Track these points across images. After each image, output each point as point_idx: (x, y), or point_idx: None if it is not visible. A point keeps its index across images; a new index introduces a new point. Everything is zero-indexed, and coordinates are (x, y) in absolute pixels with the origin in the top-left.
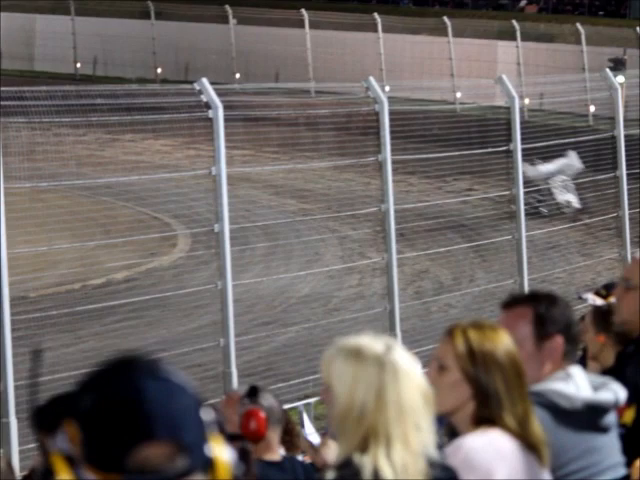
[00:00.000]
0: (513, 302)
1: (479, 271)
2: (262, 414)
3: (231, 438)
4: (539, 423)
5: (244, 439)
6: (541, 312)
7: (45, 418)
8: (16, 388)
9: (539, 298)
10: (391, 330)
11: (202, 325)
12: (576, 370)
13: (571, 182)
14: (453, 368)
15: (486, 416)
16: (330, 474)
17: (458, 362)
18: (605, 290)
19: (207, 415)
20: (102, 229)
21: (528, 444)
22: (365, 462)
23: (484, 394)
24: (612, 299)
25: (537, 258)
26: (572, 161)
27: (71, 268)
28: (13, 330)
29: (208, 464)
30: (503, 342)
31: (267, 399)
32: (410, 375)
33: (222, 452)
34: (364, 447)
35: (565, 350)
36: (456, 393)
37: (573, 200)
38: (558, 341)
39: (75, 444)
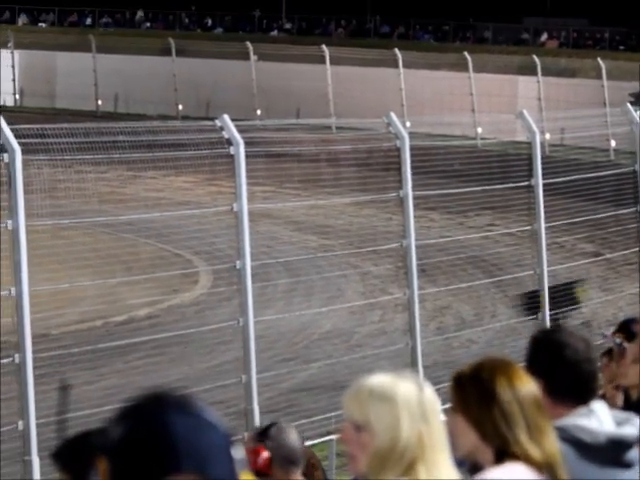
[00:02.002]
0: None
1: (501, 306)
2: (265, 453)
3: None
4: (562, 456)
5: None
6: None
7: (71, 456)
8: (38, 426)
9: (533, 339)
10: (413, 366)
11: (224, 362)
12: (598, 405)
13: None
14: (457, 412)
15: (504, 451)
16: None
17: (456, 406)
18: (618, 329)
19: (238, 453)
20: (124, 266)
21: (550, 476)
22: None
23: (486, 434)
24: (616, 338)
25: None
26: None
27: (93, 305)
28: (35, 368)
29: None
30: (507, 378)
31: (277, 439)
32: (439, 410)
33: None
34: (404, 477)
35: (576, 388)
36: (465, 436)
37: None
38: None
39: (104, 478)
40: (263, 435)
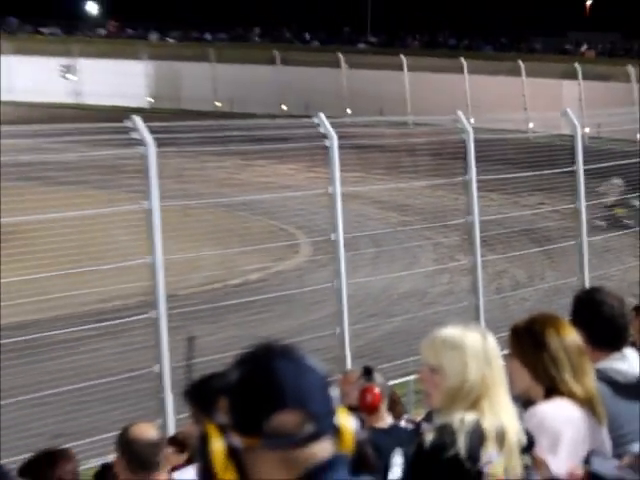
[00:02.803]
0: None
1: (548, 270)
2: (377, 390)
3: (349, 409)
4: (600, 393)
5: (359, 411)
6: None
7: (199, 394)
8: (171, 370)
9: (576, 298)
10: (476, 320)
11: (321, 317)
12: (630, 352)
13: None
14: (514, 357)
15: (552, 389)
16: (429, 435)
17: (513, 352)
18: None
19: (335, 392)
20: (239, 238)
21: (590, 409)
22: (470, 420)
23: (538, 375)
24: None
25: (596, 259)
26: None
27: (214, 271)
28: (168, 322)
29: (336, 431)
30: (555, 329)
31: (378, 377)
32: (499, 355)
33: (347, 421)
34: (470, 411)
35: (611, 337)
36: (520, 377)
37: None
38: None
39: (224, 414)
40: (369, 376)
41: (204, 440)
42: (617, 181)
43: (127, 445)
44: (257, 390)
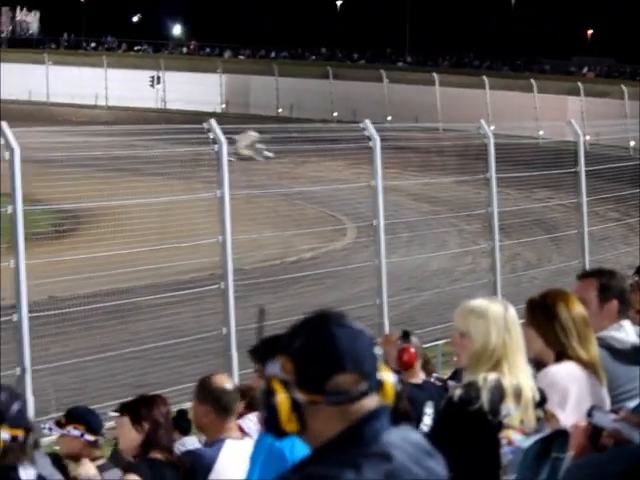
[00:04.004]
0: (585, 275)
1: (555, 254)
2: (412, 350)
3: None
4: (600, 358)
5: (397, 368)
6: (603, 283)
7: (264, 353)
8: (237, 332)
9: (603, 273)
10: (494, 295)
11: (364, 289)
12: (627, 322)
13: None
14: (529, 326)
15: (562, 353)
16: (458, 390)
17: (529, 322)
18: (637, 271)
19: (378, 351)
20: (296, 223)
21: (593, 371)
22: (492, 379)
23: (549, 341)
24: (635, 276)
25: (595, 245)
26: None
27: (274, 249)
28: (234, 292)
29: (379, 385)
30: (565, 303)
31: (414, 340)
32: (518, 324)
33: (388, 377)
34: (492, 371)
35: (619, 309)
36: (534, 343)
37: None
38: (614, 304)
39: (288, 373)
40: (407, 339)
41: (270, 394)
42: (252, 133)
43: (211, 393)
44: (320, 355)
